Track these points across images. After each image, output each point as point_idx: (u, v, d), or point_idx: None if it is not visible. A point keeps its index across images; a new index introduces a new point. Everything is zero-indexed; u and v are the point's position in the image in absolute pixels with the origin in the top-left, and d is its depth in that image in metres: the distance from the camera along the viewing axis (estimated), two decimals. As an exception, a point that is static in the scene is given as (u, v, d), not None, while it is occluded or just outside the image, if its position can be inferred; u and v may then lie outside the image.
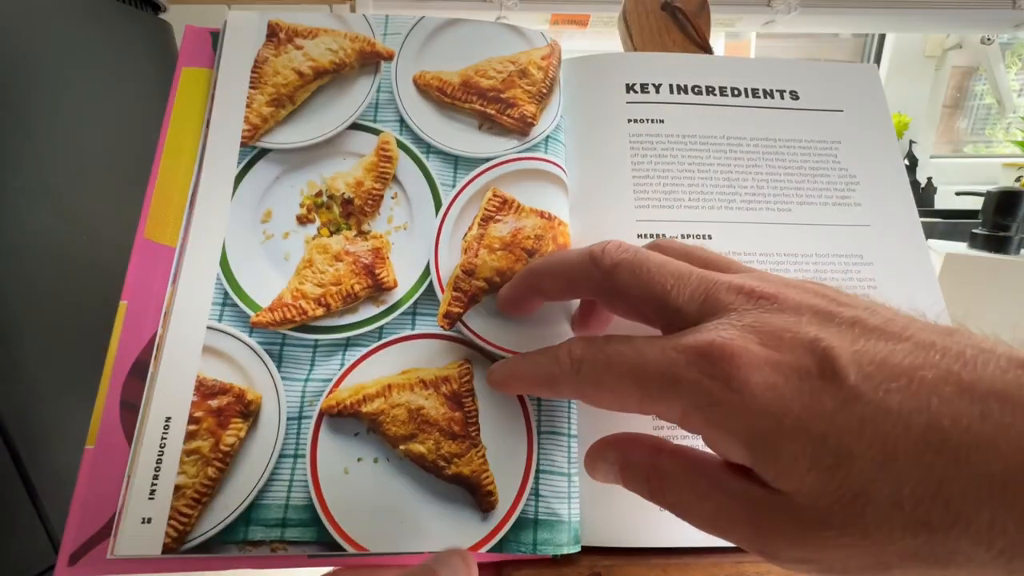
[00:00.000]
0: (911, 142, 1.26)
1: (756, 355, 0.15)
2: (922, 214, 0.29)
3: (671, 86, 0.31)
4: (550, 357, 0.20)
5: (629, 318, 0.21)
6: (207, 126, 0.28)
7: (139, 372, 0.24)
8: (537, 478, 0.24)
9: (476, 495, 0.23)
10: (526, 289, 0.24)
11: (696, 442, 0.18)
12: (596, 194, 0.29)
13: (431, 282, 0.27)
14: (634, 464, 0.19)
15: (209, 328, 0.25)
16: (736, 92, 0.31)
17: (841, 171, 0.30)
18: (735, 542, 0.16)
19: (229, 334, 0.25)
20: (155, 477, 0.23)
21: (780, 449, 0.14)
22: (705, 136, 0.30)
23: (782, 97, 0.31)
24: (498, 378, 0.23)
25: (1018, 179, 1.17)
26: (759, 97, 0.31)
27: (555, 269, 0.22)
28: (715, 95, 0.31)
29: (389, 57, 0.30)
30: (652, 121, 0.30)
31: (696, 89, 0.31)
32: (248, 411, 0.24)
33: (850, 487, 0.13)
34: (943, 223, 1.04)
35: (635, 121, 0.30)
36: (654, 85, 0.31)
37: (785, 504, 0.14)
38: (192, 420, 0.24)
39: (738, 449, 0.15)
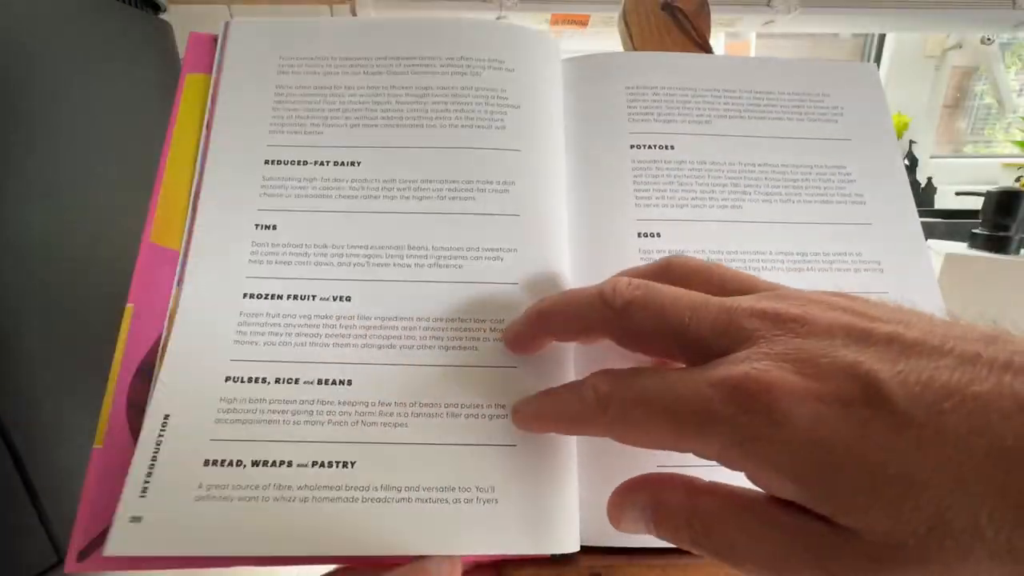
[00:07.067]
0: (911, 142, 1.26)
1: (795, 385, 0.14)
2: (922, 214, 0.29)
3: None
4: (575, 395, 0.19)
5: (650, 355, 0.20)
6: (207, 129, 0.28)
7: (145, 374, 0.24)
8: None
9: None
10: (536, 329, 0.22)
11: (717, 472, 0.17)
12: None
13: None
14: (670, 508, 0.17)
15: None
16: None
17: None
18: None
19: None
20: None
21: (836, 482, 0.13)
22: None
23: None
24: (523, 418, 0.22)
25: (1018, 179, 1.17)
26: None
27: (566, 310, 0.21)
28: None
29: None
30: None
31: None
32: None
33: (923, 518, 0.12)
34: (943, 223, 1.04)
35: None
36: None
37: (853, 541, 0.13)
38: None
39: (786, 484, 0.14)
